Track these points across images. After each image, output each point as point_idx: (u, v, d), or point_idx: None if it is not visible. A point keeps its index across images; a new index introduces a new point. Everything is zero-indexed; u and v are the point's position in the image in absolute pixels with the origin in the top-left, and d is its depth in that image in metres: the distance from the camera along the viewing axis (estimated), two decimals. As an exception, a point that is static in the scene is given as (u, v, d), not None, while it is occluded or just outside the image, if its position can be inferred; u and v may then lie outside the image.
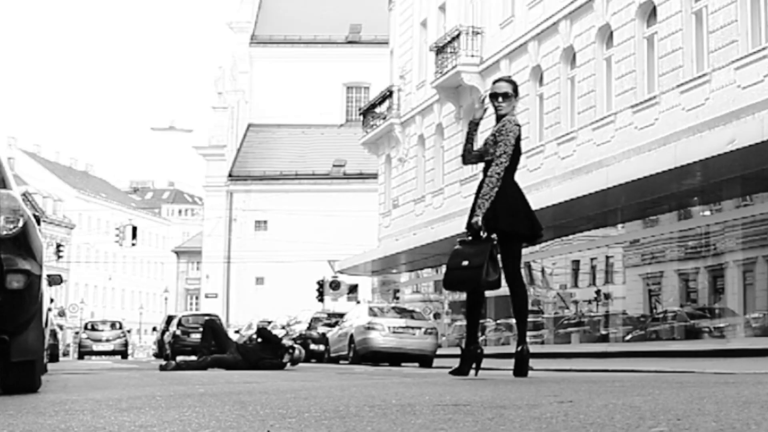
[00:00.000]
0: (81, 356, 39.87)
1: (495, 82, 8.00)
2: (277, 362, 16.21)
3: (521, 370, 7.53)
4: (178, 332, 33.39)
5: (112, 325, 41.93)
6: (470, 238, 7.55)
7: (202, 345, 16.63)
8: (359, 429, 3.75)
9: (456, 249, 7.64)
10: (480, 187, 7.65)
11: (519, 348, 7.56)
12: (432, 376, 11.27)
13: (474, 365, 7.67)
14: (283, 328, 32.60)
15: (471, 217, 7.57)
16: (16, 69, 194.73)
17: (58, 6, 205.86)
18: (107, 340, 40.03)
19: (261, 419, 4.28)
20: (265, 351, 16.24)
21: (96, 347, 39.37)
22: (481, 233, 7.47)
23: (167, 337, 34.81)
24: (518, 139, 7.69)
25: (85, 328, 42.25)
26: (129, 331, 45.80)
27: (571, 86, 24.48)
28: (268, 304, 47.16)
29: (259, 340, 16.80)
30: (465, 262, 7.42)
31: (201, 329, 18.23)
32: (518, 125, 7.74)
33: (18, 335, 6.79)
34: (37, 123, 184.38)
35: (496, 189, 7.49)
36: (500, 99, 7.74)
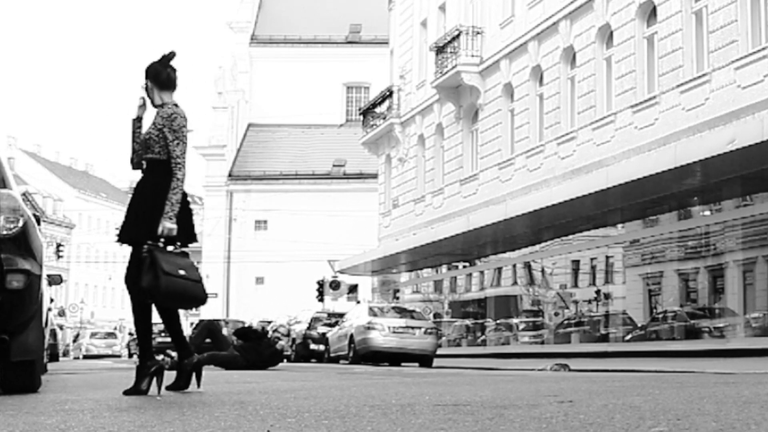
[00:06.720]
0: (86, 357, 50.62)
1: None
2: (269, 351, 16.45)
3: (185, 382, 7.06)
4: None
5: (108, 335, 56.93)
6: (162, 245, 6.58)
7: (192, 342, 16.79)
8: (359, 429, 3.75)
9: (161, 253, 6.55)
10: (143, 188, 6.86)
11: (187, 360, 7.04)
12: (432, 376, 11.28)
13: (156, 382, 6.96)
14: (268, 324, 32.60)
15: (152, 224, 6.58)
16: (16, 69, 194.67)
17: (58, 6, 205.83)
18: (107, 347, 53.57)
19: (261, 419, 4.28)
20: (261, 347, 16.47)
21: (96, 351, 52.18)
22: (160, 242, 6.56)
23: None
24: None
25: (90, 336, 56.32)
26: (131, 334, 56.67)
27: (571, 86, 24.47)
28: (268, 304, 47.11)
29: (240, 341, 16.87)
30: (182, 272, 6.50)
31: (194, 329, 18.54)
32: (185, 117, 6.87)
33: (18, 335, 6.79)
34: (37, 123, 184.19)
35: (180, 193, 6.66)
36: (146, 94, 7.06)
